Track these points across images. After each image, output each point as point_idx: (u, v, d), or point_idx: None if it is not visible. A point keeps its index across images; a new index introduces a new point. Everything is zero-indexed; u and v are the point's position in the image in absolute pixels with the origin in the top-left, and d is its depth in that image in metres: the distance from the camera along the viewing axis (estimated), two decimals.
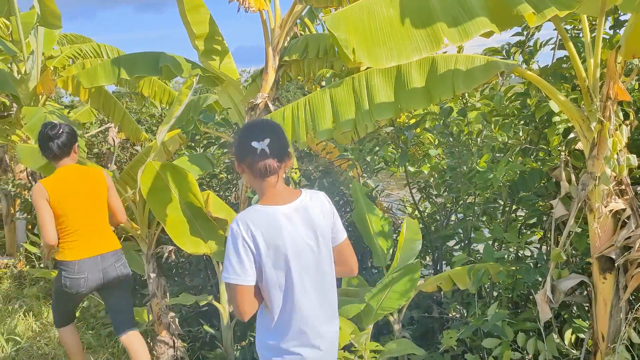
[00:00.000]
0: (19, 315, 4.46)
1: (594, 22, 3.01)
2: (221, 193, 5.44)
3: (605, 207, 2.59)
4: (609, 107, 2.45)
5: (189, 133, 4.48)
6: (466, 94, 3.85)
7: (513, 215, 4.00)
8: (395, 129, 3.94)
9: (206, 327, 4.13)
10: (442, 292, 3.67)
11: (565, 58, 3.37)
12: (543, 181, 3.47)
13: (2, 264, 6.81)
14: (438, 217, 4.72)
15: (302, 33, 4.45)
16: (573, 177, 2.98)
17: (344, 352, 3.12)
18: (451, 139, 3.78)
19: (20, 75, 5.30)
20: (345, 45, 1.93)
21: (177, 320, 4.20)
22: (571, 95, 2.97)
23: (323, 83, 4.61)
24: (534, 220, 3.75)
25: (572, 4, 2.05)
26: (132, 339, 3.31)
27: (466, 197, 3.82)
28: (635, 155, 2.64)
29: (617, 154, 2.56)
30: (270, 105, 4.10)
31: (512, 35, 3.68)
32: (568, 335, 3.19)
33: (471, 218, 4.16)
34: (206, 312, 4.52)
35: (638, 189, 2.80)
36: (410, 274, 3.10)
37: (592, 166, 2.64)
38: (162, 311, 4.06)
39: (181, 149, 5.36)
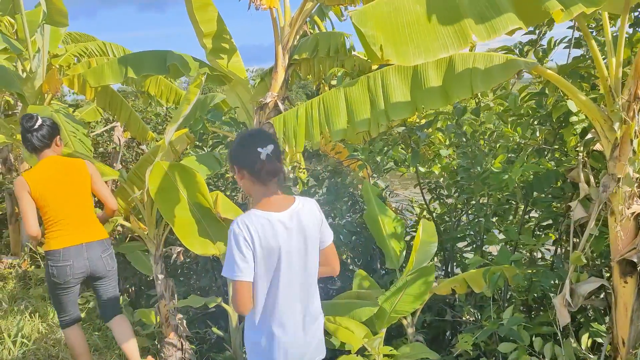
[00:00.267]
0: (25, 317, 4.41)
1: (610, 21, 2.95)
2: (228, 193, 5.38)
3: (628, 209, 2.53)
4: (633, 107, 2.39)
5: (196, 132, 4.43)
6: (479, 93, 3.78)
7: (525, 216, 3.94)
8: (407, 128, 3.88)
9: (215, 329, 4.08)
10: (454, 295, 3.61)
11: (582, 57, 3.31)
12: (559, 182, 3.41)
13: (6, 263, 6.77)
14: (447, 218, 4.66)
15: (312, 31, 4.39)
16: (592, 179, 2.92)
17: (357, 356, 3.07)
18: (464, 139, 3.72)
19: (25, 74, 5.24)
20: (372, 42, 1.87)
21: (184, 322, 4.15)
22: (590, 94, 2.90)
23: (333, 82, 4.56)
24: (548, 222, 3.70)
25: (598, 1, 1.99)
26: (119, 322, 3.42)
27: (478, 198, 3.76)
28: None
29: None
30: (279, 104, 4.05)
31: (524, 34, 3.62)
32: (585, 339, 3.13)
33: (482, 220, 4.11)
34: (214, 314, 4.48)
35: None
36: (424, 277, 3.04)
37: (613, 167, 2.58)
38: (170, 313, 4.00)
39: (187, 149, 5.32)
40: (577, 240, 3.04)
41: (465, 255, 4.48)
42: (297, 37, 4.08)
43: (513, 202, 3.88)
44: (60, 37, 5.87)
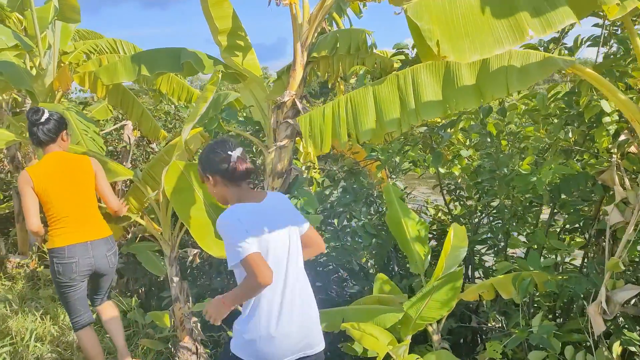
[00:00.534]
0: (36, 318, 4.32)
1: (632, 18, 2.84)
2: None
3: None
4: None
5: (211, 132, 4.34)
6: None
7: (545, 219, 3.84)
8: (429, 128, 3.78)
9: (230, 333, 3.97)
10: (479, 301, 3.51)
11: (614, 55, 3.20)
12: (587, 185, 3.30)
13: (14, 263, 6.69)
14: (463, 220, 4.56)
15: (329, 29, 4.28)
16: (627, 182, 2.81)
17: None
18: (488, 140, 3.61)
19: (35, 71, 5.15)
20: (429, 36, 1.76)
21: (199, 325, 4.06)
22: (628, 94, 2.80)
23: (352, 81, 4.46)
24: (573, 225, 3.60)
25: None
26: (107, 307, 3.47)
27: (502, 200, 3.65)
28: None
29: None
30: (297, 103, 3.94)
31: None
32: (616, 348, 3.02)
33: (505, 222, 4.01)
34: (228, 317, 4.37)
35: None
36: (452, 283, 2.94)
37: None
38: (185, 316, 3.91)
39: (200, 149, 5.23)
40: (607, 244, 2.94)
41: (483, 258, 4.38)
42: (316, 34, 3.98)
43: (537, 204, 3.78)
44: (70, 33, 5.77)
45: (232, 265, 2.02)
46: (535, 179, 3.11)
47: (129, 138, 6.41)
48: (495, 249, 4.04)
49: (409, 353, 3.04)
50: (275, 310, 2.09)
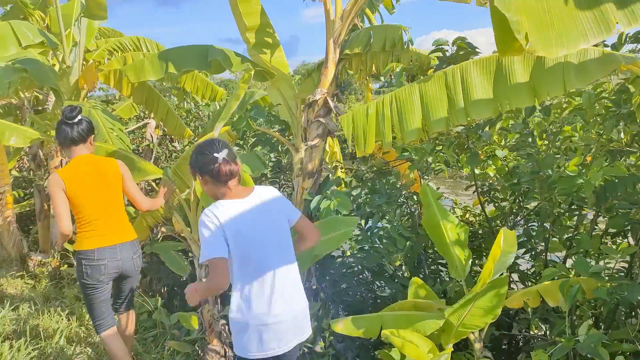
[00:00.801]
0: (62, 318, 4.27)
1: None
2: None
3: None
4: None
5: (239, 130, 4.26)
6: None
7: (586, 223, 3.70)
8: (465, 127, 3.65)
9: None
10: (516, 307, 3.38)
11: None
12: (636, 187, 3.16)
13: (36, 261, 6.68)
14: (496, 222, 4.43)
15: (362, 25, 4.18)
16: None
17: None
18: (530, 140, 3.48)
19: (60, 69, 5.11)
20: (517, 29, 1.64)
21: (227, 327, 3.98)
22: None
23: (382, 78, 4.35)
24: (619, 229, 3.45)
25: None
26: (128, 317, 3.50)
27: (544, 203, 3.52)
28: None
29: None
30: (329, 101, 3.85)
31: None
32: None
33: (540, 225, 3.87)
34: None
35: None
36: (496, 289, 2.81)
37: None
38: (214, 319, 3.83)
39: None
40: None
41: (519, 262, 4.24)
42: (348, 30, 3.88)
43: (577, 207, 3.64)
44: (94, 31, 5.73)
45: (202, 262, 2.16)
46: (581, 181, 2.98)
47: (152, 136, 6.37)
48: (533, 252, 3.91)
49: None
50: (265, 301, 2.22)
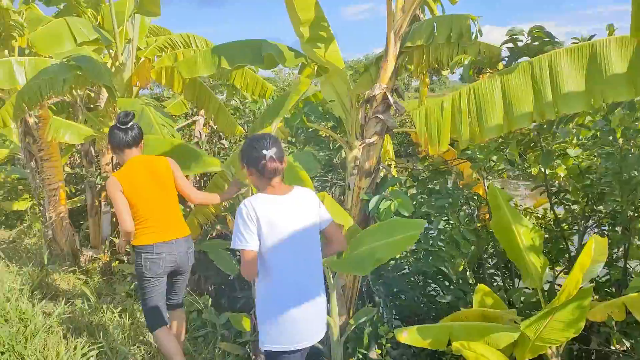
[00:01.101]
0: (114, 316, 4.26)
1: None
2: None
3: None
4: None
5: (292, 127, 4.13)
6: None
7: None
8: (538, 124, 3.39)
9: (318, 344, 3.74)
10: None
11: None
12: None
13: (87, 256, 6.78)
14: (558, 227, 4.13)
15: (423, 16, 3.96)
16: None
17: None
18: (610, 137, 3.19)
19: (114, 66, 5.12)
20: None
21: None
22: None
23: (444, 72, 4.12)
24: None
25: None
26: (179, 315, 3.57)
27: (626, 206, 3.22)
28: None
29: None
30: (389, 96, 3.66)
31: None
32: None
33: (612, 229, 3.57)
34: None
35: None
36: (579, 301, 2.57)
37: None
38: None
39: None
40: None
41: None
42: (410, 22, 3.68)
43: None
44: (146, 29, 5.75)
45: (232, 247, 2.30)
46: None
47: (200, 134, 6.35)
48: (608, 259, 3.61)
49: None
50: (291, 295, 2.33)
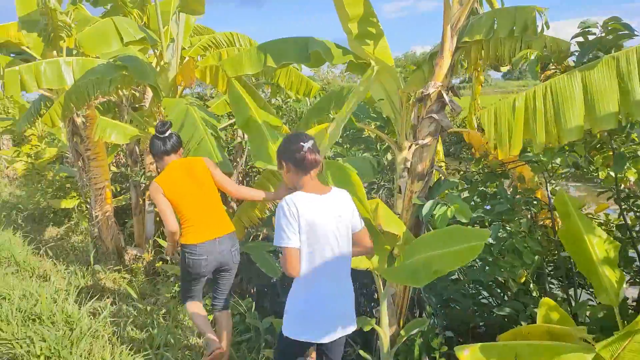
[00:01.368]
0: (159, 317, 4.21)
1: None
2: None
3: None
4: None
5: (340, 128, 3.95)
6: None
7: None
8: None
9: (362, 353, 3.58)
10: None
11: None
12: None
13: (132, 255, 6.84)
14: (629, 234, 3.80)
15: (480, 9, 3.72)
16: None
17: None
18: None
19: (159, 66, 5.09)
20: None
21: None
22: None
23: (503, 69, 3.87)
24: None
25: None
26: (225, 317, 3.58)
27: None
28: None
29: None
30: (444, 95, 3.45)
31: None
32: None
33: None
34: (360, 333, 3.99)
35: None
36: None
37: None
38: None
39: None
40: None
41: None
42: (467, 16, 3.44)
43: None
44: (190, 28, 5.71)
45: (275, 245, 2.37)
46: None
47: (243, 134, 6.26)
48: None
49: None
50: (325, 292, 2.41)
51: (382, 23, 3.78)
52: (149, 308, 4.44)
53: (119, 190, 8.83)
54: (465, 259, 2.65)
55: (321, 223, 2.37)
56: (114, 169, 8.52)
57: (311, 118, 5.00)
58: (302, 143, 2.38)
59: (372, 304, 4.92)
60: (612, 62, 2.14)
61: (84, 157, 6.39)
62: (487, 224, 4.15)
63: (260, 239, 5.19)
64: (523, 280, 3.51)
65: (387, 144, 4.92)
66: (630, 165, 3.60)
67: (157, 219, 6.79)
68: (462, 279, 4.38)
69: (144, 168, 6.94)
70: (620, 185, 3.84)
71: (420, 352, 3.65)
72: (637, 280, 3.82)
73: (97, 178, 6.38)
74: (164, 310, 4.41)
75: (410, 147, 4.15)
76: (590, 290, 3.86)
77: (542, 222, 4.17)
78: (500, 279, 3.70)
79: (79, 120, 6.20)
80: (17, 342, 3.07)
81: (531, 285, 3.57)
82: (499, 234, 3.46)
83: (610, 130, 3.21)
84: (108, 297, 5.00)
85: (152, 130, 5.41)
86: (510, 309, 3.56)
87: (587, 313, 3.46)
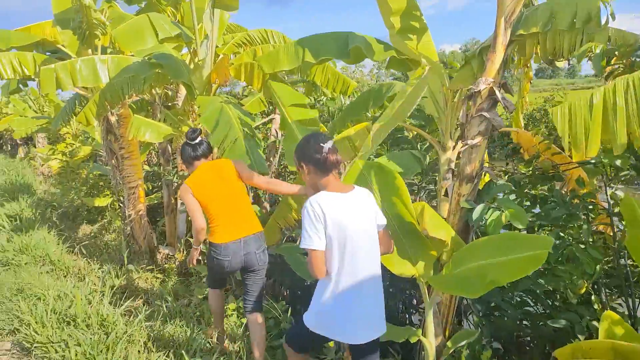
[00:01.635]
0: (193, 320, 4.11)
1: None
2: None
3: None
4: None
5: None
6: None
7: None
8: None
9: None
10: None
11: None
12: None
13: (164, 254, 6.80)
14: None
15: (535, 0, 3.49)
16: None
17: None
18: None
19: (193, 63, 5.00)
20: None
21: None
22: None
23: (559, 64, 3.62)
24: None
25: None
26: (257, 320, 3.56)
27: None
28: None
29: None
30: (496, 91, 3.23)
31: None
32: None
33: None
34: (400, 343, 3.80)
35: None
36: None
37: None
38: None
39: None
40: None
41: None
42: (521, 7, 3.22)
43: None
44: (224, 24, 5.61)
45: (301, 247, 2.35)
46: None
47: (277, 132, 6.15)
48: None
49: None
50: (353, 291, 2.37)
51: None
52: (182, 310, 4.34)
53: (150, 188, 8.84)
54: (526, 269, 2.44)
55: (348, 221, 2.34)
56: (146, 167, 8.52)
57: (348, 117, 4.83)
58: (322, 144, 2.34)
59: (411, 310, 4.74)
60: None
61: (117, 156, 6.36)
62: (536, 229, 3.92)
63: (294, 241, 5.05)
64: (583, 290, 3.26)
65: (427, 143, 4.72)
66: None
67: (189, 218, 6.73)
68: (506, 286, 4.14)
69: (176, 167, 6.89)
70: None
71: None
72: None
73: (131, 177, 6.35)
74: (197, 313, 4.31)
75: (454, 147, 3.95)
76: None
77: (595, 228, 3.90)
78: (551, 288, 3.45)
79: (113, 118, 6.18)
80: (52, 346, 3.00)
81: (592, 297, 3.30)
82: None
83: None
84: (141, 298, 4.94)
85: (186, 129, 5.35)
86: (565, 321, 3.32)
87: None
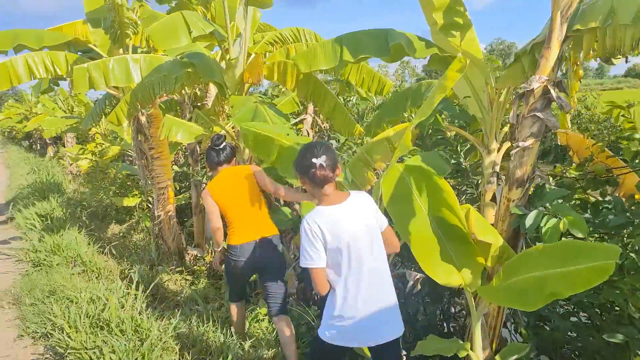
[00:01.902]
0: (226, 327, 4.00)
1: None
2: None
3: None
4: None
5: (424, 126, 3.62)
6: None
7: None
8: None
9: None
10: None
11: None
12: None
13: (192, 255, 6.75)
14: None
15: None
16: None
17: None
18: None
19: (225, 62, 4.90)
20: None
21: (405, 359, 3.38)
22: None
23: (616, 61, 3.40)
24: None
25: None
26: (283, 323, 3.59)
27: None
28: None
29: None
30: (551, 90, 3.03)
31: None
32: None
33: None
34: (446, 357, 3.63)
35: None
36: None
37: None
38: None
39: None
40: None
41: None
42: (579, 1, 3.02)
43: None
44: (257, 22, 5.50)
45: (302, 265, 2.39)
46: None
47: (308, 133, 6.03)
48: None
49: None
50: (360, 298, 2.39)
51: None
52: (214, 314, 4.24)
53: (178, 189, 8.82)
54: (590, 280, 2.23)
55: (347, 230, 2.37)
56: (175, 168, 8.50)
57: (384, 117, 4.67)
58: (313, 159, 2.36)
59: (449, 319, 4.55)
60: None
61: (147, 156, 6.33)
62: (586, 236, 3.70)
63: None
64: None
65: (467, 145, 4.53)
66: None
67: None
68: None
69: (204, 167, 6.82)
70: None
71: None
72: None
73: (160, 177, 6.31)
74: (229, 316, 4.20)
75: (499, 149, 3.77)
76: None
77: None
78: (610, 301, 3.24)
79: (143, 118, 6.14)
80: (85, 352, 2.92)
81: None
82: None
83: None
84: (172, 300, 4.87)
85: (217, 129, 5.27)
86: (623, 336, 3.10)
87: None
